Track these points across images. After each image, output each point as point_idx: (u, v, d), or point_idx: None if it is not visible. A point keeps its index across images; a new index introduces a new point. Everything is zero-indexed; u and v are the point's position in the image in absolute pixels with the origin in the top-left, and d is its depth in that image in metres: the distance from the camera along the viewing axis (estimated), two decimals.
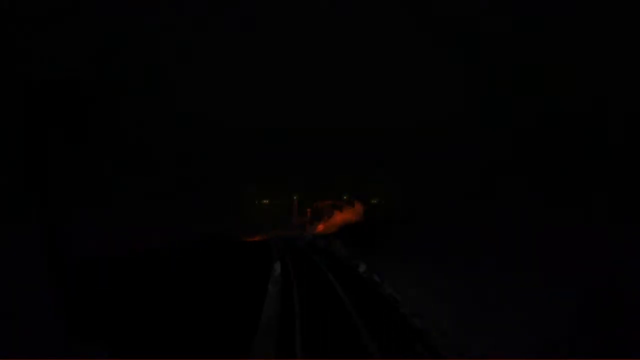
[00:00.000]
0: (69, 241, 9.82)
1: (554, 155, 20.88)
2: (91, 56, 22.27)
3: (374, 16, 41.80)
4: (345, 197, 50.07)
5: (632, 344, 4.47)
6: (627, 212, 10.48)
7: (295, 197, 50.13)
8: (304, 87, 49.38)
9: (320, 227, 43.86)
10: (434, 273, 10.09)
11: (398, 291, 8.81)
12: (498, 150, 25.30)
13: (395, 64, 44.11)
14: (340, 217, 45.81)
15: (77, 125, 13.15)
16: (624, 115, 18.31)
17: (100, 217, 18.36)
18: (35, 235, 8.91)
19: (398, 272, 11.12)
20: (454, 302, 7.28)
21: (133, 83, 25.62)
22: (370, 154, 46.79)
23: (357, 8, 41.56)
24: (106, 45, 23.55)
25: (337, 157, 50.42)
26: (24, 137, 12.03)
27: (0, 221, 10.39)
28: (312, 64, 50.73)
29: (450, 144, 31.33)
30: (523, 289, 6.83)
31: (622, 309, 5.30)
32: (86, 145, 21.20)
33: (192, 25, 33.60)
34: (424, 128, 35.24)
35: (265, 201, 47.54)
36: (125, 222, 19.58)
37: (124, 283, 9.38)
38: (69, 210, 13.47)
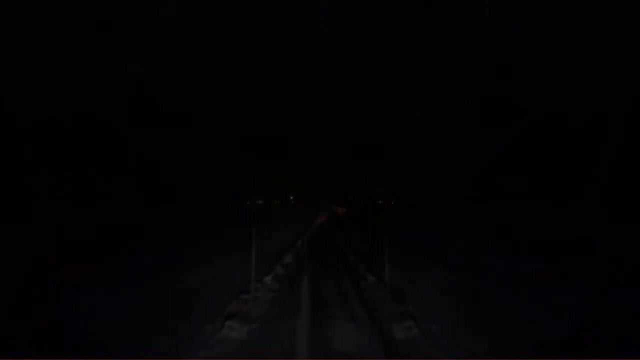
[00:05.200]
0: None
1: (554, 156, 20.83)
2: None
3: (374, 16, 41.82)
4: (349, 197, 49.89)
5: (632, 344, 4.41)
6: (627, 211, 10.43)
7: (291, 197, 49.95)
8: (304, 87, 49.38)
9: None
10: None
11: None
12: (498, 150, 25.23)
13: (395, 64, 44.14)
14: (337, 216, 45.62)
15: None
16: (623, 116, 18.23)
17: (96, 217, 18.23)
18: None
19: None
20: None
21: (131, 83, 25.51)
22: (371, 154, 46.80)
23: (357, 8, 41.60)
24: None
25: (337, 157, 50.44)
26: None
27: None
28: (312, 64, 50.66)
29: (450, 144, 31.28)
30: (522, 289, 6.77)
31: (623, 309, 5.25)
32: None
33: (191, 25, 33.59)
34: (424, 128, 35.20)
35: (260, 201, 47.26)
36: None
37: None
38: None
